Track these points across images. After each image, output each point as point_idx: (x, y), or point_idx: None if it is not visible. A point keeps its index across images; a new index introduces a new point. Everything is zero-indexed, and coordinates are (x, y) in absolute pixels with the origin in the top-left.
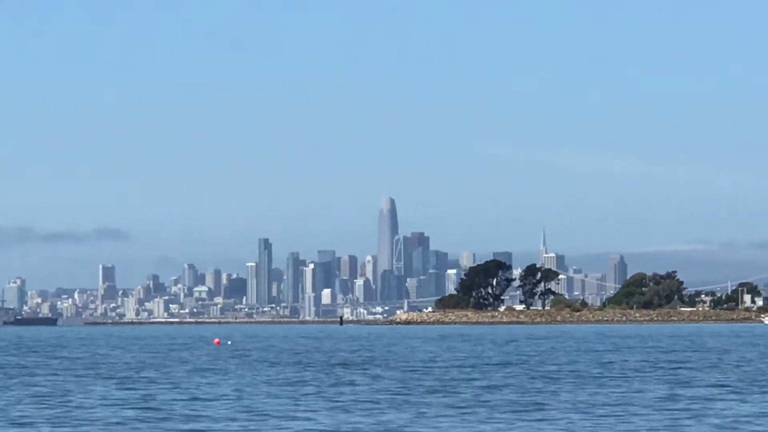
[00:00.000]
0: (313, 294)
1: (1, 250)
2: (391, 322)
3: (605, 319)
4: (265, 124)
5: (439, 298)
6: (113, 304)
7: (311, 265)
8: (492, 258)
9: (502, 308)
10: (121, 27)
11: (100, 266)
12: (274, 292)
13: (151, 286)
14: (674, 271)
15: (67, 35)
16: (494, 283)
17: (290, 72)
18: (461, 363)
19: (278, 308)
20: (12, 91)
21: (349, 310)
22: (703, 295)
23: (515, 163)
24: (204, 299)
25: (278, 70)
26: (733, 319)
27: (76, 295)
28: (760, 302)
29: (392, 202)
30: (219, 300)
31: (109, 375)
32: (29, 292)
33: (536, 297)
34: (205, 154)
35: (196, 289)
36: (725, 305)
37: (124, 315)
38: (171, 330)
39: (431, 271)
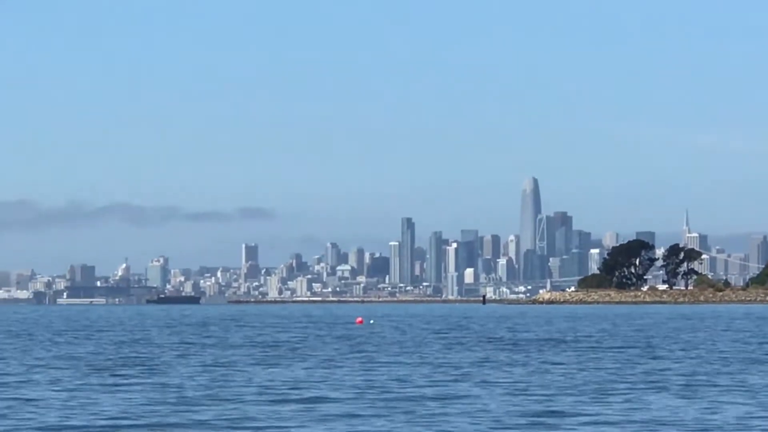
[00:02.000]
0: (456, 273)
1: (145, 229)
2: (534, 302)
3: (748, 299)
4: (408, 104)
5: (581, 277)
6: (256, 283)
7: (454, 245)
8: (635, 238)
9: (644, 288)
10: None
11: (243, 245)
12: (417, 271)
13: (294, 264)
14: None
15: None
16: (637, 262)
17: (433, 53)
18: None
19: (421, 287)
20: (154, 75)
21: (491, 289)
22: None
23: (659, 143)
24: (347, 278)
25: (421, 51)
26: None
27: (219, 274)
28: None
29: (535, 181)
30: (362, 279)
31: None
32: (172, 271)
33: (679, 277)
34: (350, 134)
35: (339, 268)
36: None
37: (266, 294)
38: (336, 309)
39: (574, 250)
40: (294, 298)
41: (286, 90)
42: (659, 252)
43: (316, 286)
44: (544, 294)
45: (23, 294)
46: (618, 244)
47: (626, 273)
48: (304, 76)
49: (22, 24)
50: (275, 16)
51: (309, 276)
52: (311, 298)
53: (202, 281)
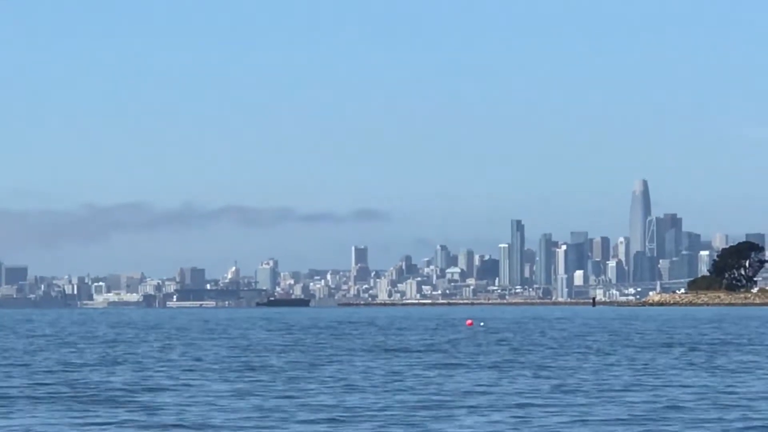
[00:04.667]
0: (566, 275)
1: (256, 230)
2: (644, 304)
3: None
4: (519, 106)
5: (691, 279)
6: (365, 285)
7: (564, 247)
8: (745, 239)
9: (754, 290)
10: None
11: (353, 247)
12: (527, 274)
13: (403, 267)
14: None
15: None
16: (747, 264)
17: (547, 55)
18: None
19: (530, 289)
20: (267, 77)
21: (601, 291)
22: None
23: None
24: (456, 280)
25: (537, 51)
26: None
27: (328, 276)
28: None
29: (645, 183)
30: (471, 281)
31: None
32: (282, 273)
33: None
34: (459, 138)
35: (448, 270)
36: None
37: (376, 296)
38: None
39: (684, 252)
40: (404, 301)
41: (397, 93)
42: None
43: (426, 289)
44: (654, 296)
45: (133, 297)
46: (727, 246)
47: (736, 275)
48: (415, 80)
49: (142, 24)
50: (389, 18)
51: (419, 278)
52: (421, 301)
53: (311, 284)
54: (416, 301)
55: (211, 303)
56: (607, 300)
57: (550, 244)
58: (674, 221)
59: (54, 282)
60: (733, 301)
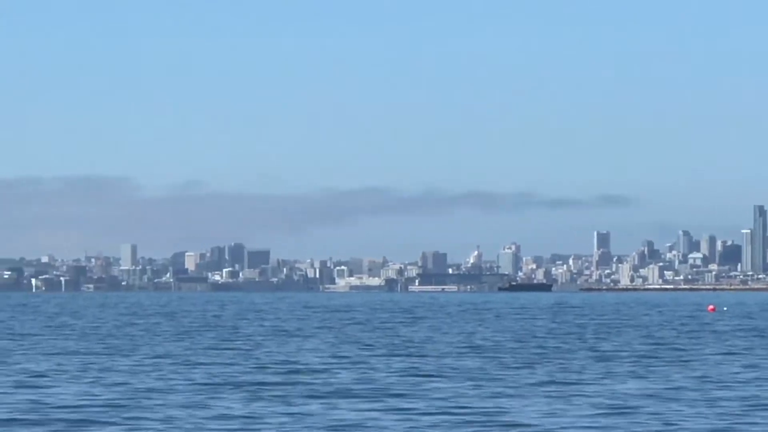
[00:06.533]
0: None
1: (498, 216)
2: None
3: None
4: (758, 89)
5: None
6: (607, 270)
7: None
8: None
9: None
10: None
11: (595, 232)
12: None
13: (645, 252)
14: None
15: None
16: None
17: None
18: None
19: None
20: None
21: None
22: None
23: None
24: (698, 266)
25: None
26: None
27: (570, 261)
28: None
29: None
30: (713, 267)
31: None
32: (524, 258)
33: None
34: (703, 121)
35: (690, 255)
36: None
37: (618, 281)
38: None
39: None
40: (645, 286)
41: (642, 76)
42: None
43: (668, 274)
44: None
45: (375, 281)
46: None
47: None
48: (650, 67)
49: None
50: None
51: (660, 264)
52: (663, 286)
53: (553, 268)
54: (658, 287)
55: (453, 287)
56: None
57: None
58: None
59: (296, 265)
60: None
